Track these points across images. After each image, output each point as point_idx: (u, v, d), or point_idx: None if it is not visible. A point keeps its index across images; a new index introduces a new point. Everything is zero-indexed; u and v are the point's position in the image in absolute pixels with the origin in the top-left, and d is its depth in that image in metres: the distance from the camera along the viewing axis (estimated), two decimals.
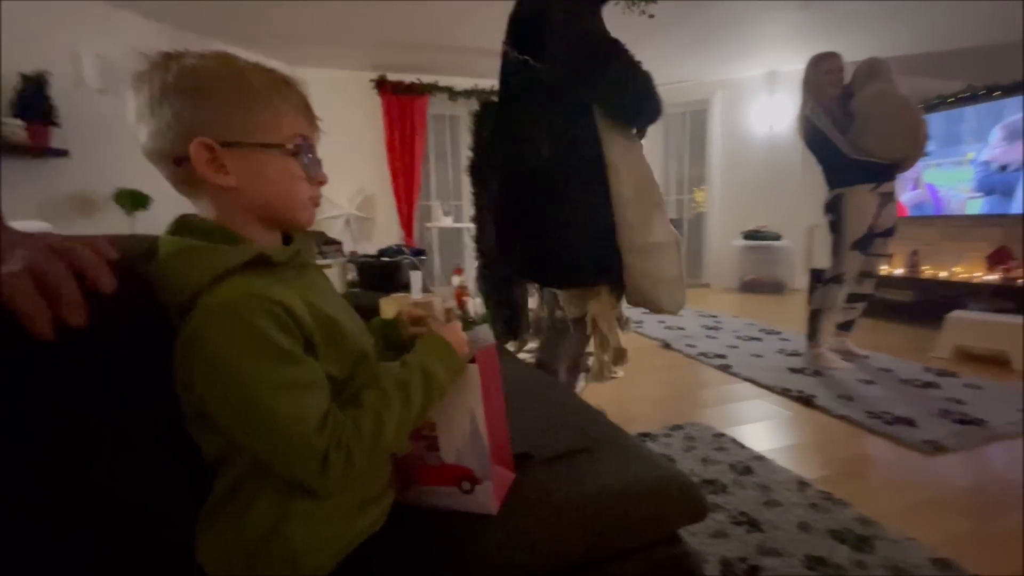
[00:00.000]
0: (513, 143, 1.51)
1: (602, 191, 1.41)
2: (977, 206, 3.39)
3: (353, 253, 3.09)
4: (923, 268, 3.61)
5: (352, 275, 2.85)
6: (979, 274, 3.30)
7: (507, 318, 1.69)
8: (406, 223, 4.70)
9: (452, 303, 2.30)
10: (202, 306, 0.49)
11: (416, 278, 2.21)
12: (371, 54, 4.13)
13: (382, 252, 3.12)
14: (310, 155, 0.60)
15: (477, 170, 1.68)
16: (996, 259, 3.27)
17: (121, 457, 0.52)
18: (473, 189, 1.74)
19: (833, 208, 2.44)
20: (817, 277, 2.77)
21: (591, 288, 1.49)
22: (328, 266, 2.81)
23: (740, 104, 5.08)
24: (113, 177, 2.90)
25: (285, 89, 0.57)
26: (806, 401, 2.02)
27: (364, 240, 4.67)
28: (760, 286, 4.95)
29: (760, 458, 1.56)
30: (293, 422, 0.48)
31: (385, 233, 4.74)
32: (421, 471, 0.68)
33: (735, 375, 2.40)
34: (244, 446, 0.51)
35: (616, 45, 1.39)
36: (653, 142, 5.64)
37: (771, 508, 1.28)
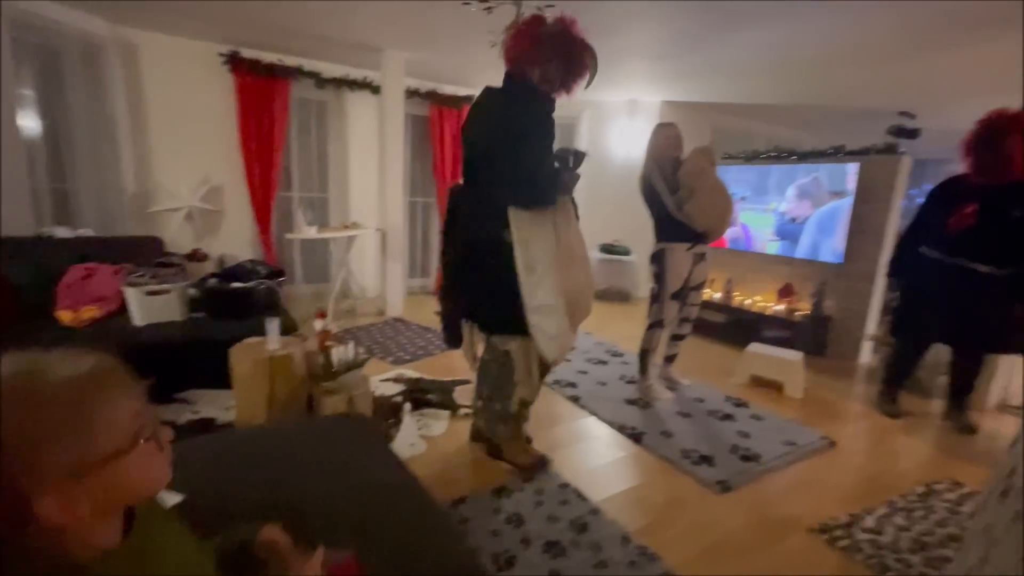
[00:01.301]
0: (464, 219, 1.95)
1: (511, 262, 1.79)
2: (775, 247, 4.16)
3: (208, 277, 2.75)
4: (735, 294, 4.34)
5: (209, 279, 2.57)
6: (772, 304, 4.08)
7: (450, 333, 2.11)
8: (262, 217, 4.28)
9: (315, 348, 2.21)
10: None
11: (273, 327, 2.07)
12: (223, 27, 3.60)
13: (232, 272, 2.84)
14: None
15: (447, 231, 2.07)
16: (784, 293, 4.07)
17: None
18: (442, 242, 2.14)
19: (657, 260, 2.84)
20: (655, 297, 3.07)
21: (507, 335, 1.91)
22: (166, 291, 2.51)
23: (604, 125, 5.48)
24: None
25: None
26: (636, 439, 2.37)
27: (210, 236, 4.17)
28: (611, 295, 5.52)
29: (596, 511, 1.81)
30: None
31: (236, 228, 4.29)
32: None
33: (583, 407, 2.70)
34: None
35: (526, 142, 1.71)
36: None
37: (599, 570, 1.53)
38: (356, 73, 4.52)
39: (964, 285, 2.47)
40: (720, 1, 2.72)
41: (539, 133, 1.76)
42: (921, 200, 2.71)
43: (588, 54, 1.81)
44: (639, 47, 3.68)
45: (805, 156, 4.01)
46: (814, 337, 3.83)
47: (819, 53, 3.48)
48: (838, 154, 3.81)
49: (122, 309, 2.55)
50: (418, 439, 2.26)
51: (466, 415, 2.54)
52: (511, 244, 1.78)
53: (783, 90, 4.62)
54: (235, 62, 3.98)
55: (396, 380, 2.90)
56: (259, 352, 2.05)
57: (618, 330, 4.29)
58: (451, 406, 2.58)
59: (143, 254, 2.98)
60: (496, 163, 1.75)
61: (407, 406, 2.47)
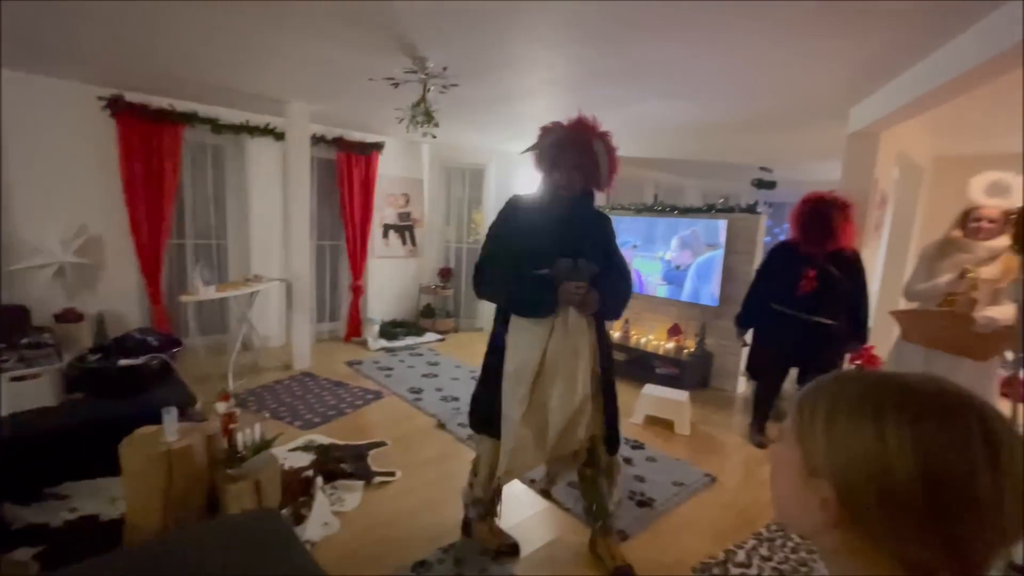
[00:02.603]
0: None
1: (499, 364, 1.82)
2: (664, 291, 4.62)
3: (88, 353, 2.52)
4: (632, 333, 4.75)
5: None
6: (663, 342, 4.52)
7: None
8: (150, 268, 3.96)
9: (218, 432, 2.13)
10: None
11: (171, 418, 1.97)
12: (104, 69, 3.35)
13: (119, 344, 2.63)
14: None
15: None
16: (672, 332, 4.53)
17: None
18: None
19: None
20: None
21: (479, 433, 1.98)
22: (35, 376, 2.29)
23: (510, 172, 5.77)
24: None
25: None
26: (547, 493, 2.54)
27: (85, 292, 3.78)
28: None
29: None
30: None
31: (118, 281, 3.93)
32: None
33: None
34: None
35: (488, 238, 1.82)
36: (437, 195, 5.95)
37: None
38: (258, 119, 4.39)
39: (808, 333, 2.97)
40: (617, 78, 3.07)
41: (501, 229, 1.86)
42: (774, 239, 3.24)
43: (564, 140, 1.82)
44: (539, 113, 3.98)
45: (685, 211, 4.54)
46: (699, 372, 4.30)
47: (701, 122, 4.00)
48: (711, 210, 4.37)
49: None
50: (331, 517, 2.24)
51: (382, 483, 2.56)
52: (503, 347, 1.82)
53: (674, 147, 5.19)
54: (118, 107, 3.71)
55: (306, 448, 2.83)
56: (154, 445, 1.93)
57: None
58: (365, 475, 2.58)
59: (5, 327, 2.66)
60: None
61: (319, 480, 2.43)
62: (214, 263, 4.53)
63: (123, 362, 2.45)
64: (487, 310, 6.00)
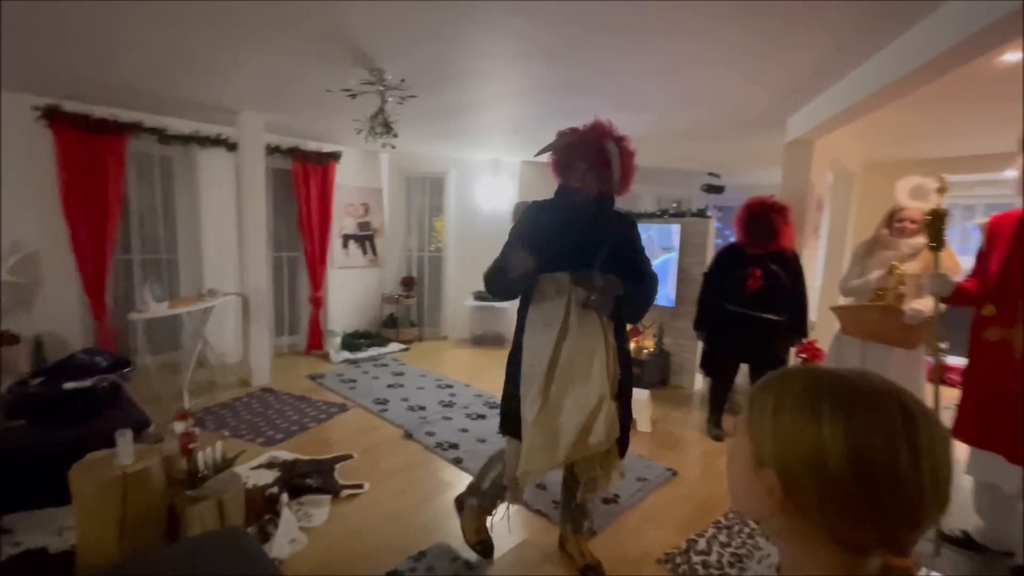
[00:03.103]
0: None
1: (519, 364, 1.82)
2: None
3: (29, 377, 2.38)
4: None
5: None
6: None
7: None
8: (93, 285, 3.76)
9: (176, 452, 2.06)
10: None
11: (126, 441, 1.90)
12: (40, 77, 3.18)
13: (64, 366, 2.51)
14: None
15: None
16: (632, 333, 4.67)
17: None
18: None
19: None
20: None
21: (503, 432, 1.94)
22: None
23: (470, 180, 5.81)
24: None
25: None
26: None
27: (21, 312, 3.56)
28: (486, 340, 5.78)
29: None
30: None
31: (59, 299, 3.73)
32: None
33: (466, 470, 2.84)
34: None
35: (514, 245, 1.74)
36: (397, 204, 5.94)
37: None
38: (209, 129, 4.27)
39: (757, 329, 3.14)
40: (571, 91, 3.17)
41: (519, 233, 1.82)
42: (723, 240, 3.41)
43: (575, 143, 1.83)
44: (497, 124, 4.06)
45: (640, 216, 4.71)
46: (658, 370, 4.46)
47: (652, 132, 4.16)
48: (664, 215, 4.55)
49: None
50: (299, 533, 2.20)
51: (350, 495, 2.53)
52: (520, 349, 1.83)
53: None
54: (54, 117, 3.53)
55: (269, 466, 2.77)
56: (108, 470, 1.86)
57: (494, 377, 4.48)
58: (332, 489, 2.55)
59: None
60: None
61: (284, 497, 2.39)
62: (164, 279, 4.36)
63: (69, 385, 2.33)
64: (452, 318, 6.02)
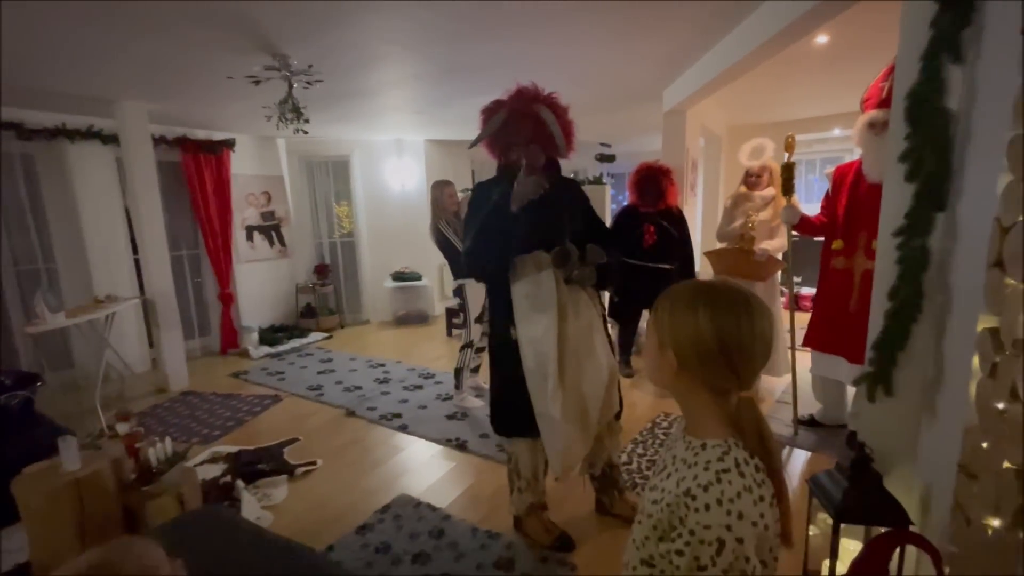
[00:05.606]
0: None
1: (516, 360, 1.74)
2: None
3: None
4: None
5: None
6: None
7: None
8: None
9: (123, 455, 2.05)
10: None
11: (70, 446, 1.87)
12: None
13: None
14: None
15: None
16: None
17: None
18: None
19: (458, 293, 3.39)
20: (452, 314, 4.01)
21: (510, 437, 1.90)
22: None
23: (374, 162, 5.79)
24: None
25: None
26: (462, 447, 2.85)
27: None
28: (410, 319, 5.90)
29: (447, 517, 2.21)
30: None
31: None
32: None
33: (412, 434, 3.05)
34: None
35: (481, 223, 1.70)
36: (301, 191, 5.77)
37: (460, 561, 1.94)
38: (77, 121, 3.88)
39: (654, 278, 3.63)
40: (470, 71, 3.35)
41: (478, 214, 1.73)
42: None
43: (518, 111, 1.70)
44: (401, 105, 4.14)
45: None
46: None
47: None
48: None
49: None
50: (262, 512, 2.30)
51: (305, 472, 2.64)
52: (516, 342, 1.72)
53: None
54: None
55: (213, 460, 2.77)
56: (55, 479, 1.83)
57: (425, 353, 4.70)
58: (286, 469, 2.64)
59: None
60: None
61: (239, 483, 2.45)
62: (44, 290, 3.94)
63: None
64: (372, 302, 6.04)
